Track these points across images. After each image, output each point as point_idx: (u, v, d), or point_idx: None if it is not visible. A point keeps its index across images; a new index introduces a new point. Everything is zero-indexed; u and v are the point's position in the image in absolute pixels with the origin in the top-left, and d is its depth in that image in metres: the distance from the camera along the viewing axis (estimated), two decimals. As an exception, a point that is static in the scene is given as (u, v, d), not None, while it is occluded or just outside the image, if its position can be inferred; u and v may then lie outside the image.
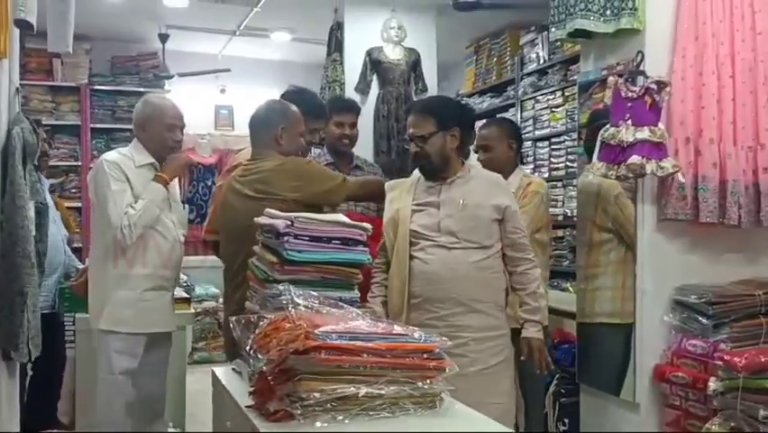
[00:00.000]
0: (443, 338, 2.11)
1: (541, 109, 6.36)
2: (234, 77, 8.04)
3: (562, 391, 3.79)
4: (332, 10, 6.40)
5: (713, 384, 2.90)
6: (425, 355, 2.07)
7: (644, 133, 3.02)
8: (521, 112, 6.63)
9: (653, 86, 3.05)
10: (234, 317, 2.49)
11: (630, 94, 3.12)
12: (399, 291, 3.03)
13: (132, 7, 6.66)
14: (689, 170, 3.12)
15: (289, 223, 2.36)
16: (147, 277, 3.25)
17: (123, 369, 3.23)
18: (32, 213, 2.54)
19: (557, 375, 3.75)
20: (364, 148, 5.97)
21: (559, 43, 5.76)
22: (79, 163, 7.41)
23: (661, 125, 3.05)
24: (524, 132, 6.43)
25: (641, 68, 3.16)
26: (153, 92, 7.45)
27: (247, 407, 2.06)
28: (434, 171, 3.08)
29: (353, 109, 4.19)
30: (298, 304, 2.06)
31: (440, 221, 3.02)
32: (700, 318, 3.08)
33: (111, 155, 3.32)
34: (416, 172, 3.22)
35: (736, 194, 3.13)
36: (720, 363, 2.89)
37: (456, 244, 2.98)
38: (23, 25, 2.36)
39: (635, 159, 2.99)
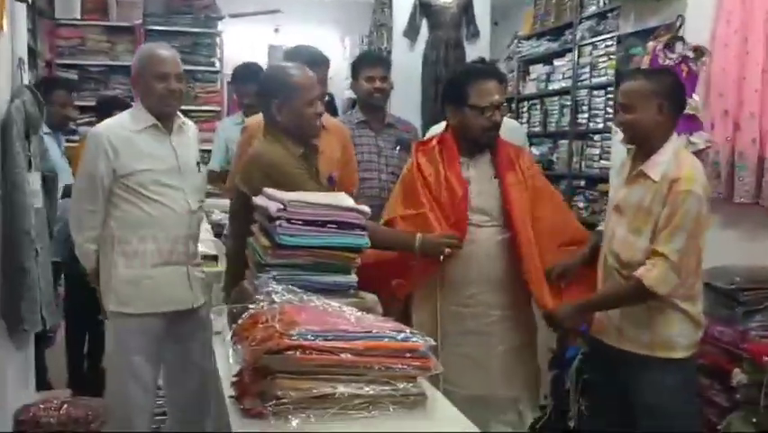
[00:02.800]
0: (428, 338, 2.03)
1: (598, 56, 6.04)
2: (288, 16, 7.95)
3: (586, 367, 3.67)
4: (382, -51, 6.22)
5: (737, 376, 2.78)
6: (408, 355, 2.00)
7: (677, 105, 2.81)
8: (578, 57, 6.33)
9: (690, 53, 2.84)
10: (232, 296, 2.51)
11: (668, 61, 2.93)
12: None
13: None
14: (725, 146, 2.94)
15: (282, 207, 2.29)
16: (151, 253, 2.95)
17: (138, 349, 2.96)
18: (35, 185, 2.55)
19: (581, 351, 3.63)
20: (411, 95, 5.87)
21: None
22: (134, 103, 7.46)
23: (696, 97, 2.85)
24: (580, 79, 6.17)
25: (680, 33, 2.95)
26: (205, 32, 7.46)
27: (229, 397, 2.05)
28: (490, 143, 2.92)
29: (383, 62, 4.03)
30: (274, 301, 2.00)
31: (471, 199, 2.89)
32: (731, 304, 2.93)
33: (104, 124, 3.04)
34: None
35: (776, 173, 2.92)
36: (746, 354, 2.76)
37: (489, 222, 2.88)
38: (20, -1, 2.32)
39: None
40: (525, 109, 7.29)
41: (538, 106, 7.05)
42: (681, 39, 2.92)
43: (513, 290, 2.90)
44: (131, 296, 2.93)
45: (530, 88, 7.14)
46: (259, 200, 2.46)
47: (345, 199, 2.45)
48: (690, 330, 2.56)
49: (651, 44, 3.03)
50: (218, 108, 7.43)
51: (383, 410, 1.94)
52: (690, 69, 2.85)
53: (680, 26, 2.95)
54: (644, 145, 2.58)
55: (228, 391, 2.06)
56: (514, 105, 7.40)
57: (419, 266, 2.82)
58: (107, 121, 3.04)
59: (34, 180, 2.56)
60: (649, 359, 2.53)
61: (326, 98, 7.31)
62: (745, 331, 2.87)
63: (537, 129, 6.99)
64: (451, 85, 2.98)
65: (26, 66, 2.69)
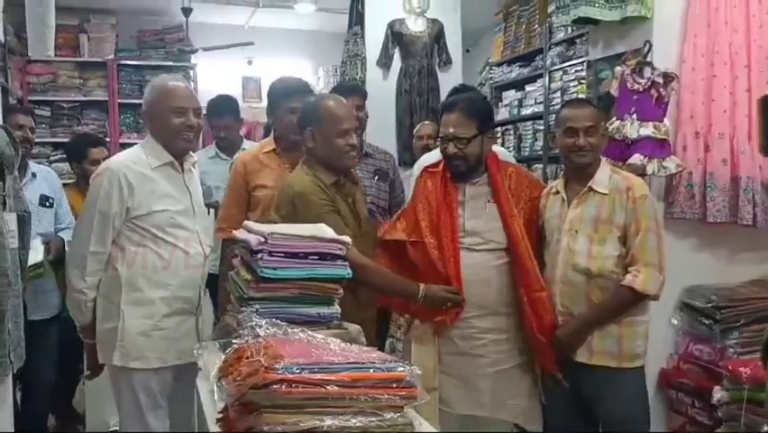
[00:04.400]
0: (414, 368, 2.03)
1: (569, 81, 6.13)
2: (261, 48, 7.96)
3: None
4: (353, -19, 6.27)
5: (717, 394, 2.81)
6: (394, 385, 2.00)
7: (647, 130, 2.89)
8: (549, 83, 6.42)
9: (659, 79, 2.90)
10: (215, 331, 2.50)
11: (636, 86, 2.98)
12: None
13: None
14: (698, 167, 2.98)
15: (263, 240, 2.29)
16: (164, 301, 2.72)
17: (152, 406, 2.75)
18: (12, 225, 2.51)
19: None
20: (386, 124, 5.90)
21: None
22: (108, 139, 7.43)
23: (666, 121, 2.91)
24: (552, 104, 6.25)
25: (648, 58, 3.01)
26: (179, 66, 7.46)
27: (214, 434, 2.04)
28: (466, 173, 2.93)
29: (358, 92, 4.03)
30: (258, 336, 2.00)
31: (464, 222, 2.91)
32: (708, 322, 2.97)
33: (117, 159, 2.81)
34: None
35: (749, 191, 2.98)
36: (726, 372, 2.78)
37: (482, 245, 2.89)
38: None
39: (635, 158, 2.86)
40: (498, 135, 7.36)
41: (512, 132, 7.12)
42: (650, 64, 2.97)
43: (506, 315, 2.88)
44: (141, 349, 2.70)
45: (503, 114, 7.22)
46: (239, 234, 2.46)
47: (327, 230, 2.45)
48: (645, 340, 2.76)
49: (618, 69, 3.08)
50: (192, 141, 7.41)
51: (372, 441, 1.93)
52: (659, 93, 2.89)
53: (647, 51, 3.00)
54: (591, 165, 2.76)
55: (213, 427, 2.05)
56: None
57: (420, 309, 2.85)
58: (119, 157, 2.85)
59: (10, 221, 2.51)
60: (618, 371, 2.70)
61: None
62: (723, 349, 2.91)
63: (512, 154, 7.04)
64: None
65: (-1, 106, 2.67)
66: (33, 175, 3.71)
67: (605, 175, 2.74)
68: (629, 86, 2.98)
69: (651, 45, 3.00)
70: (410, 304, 2.83)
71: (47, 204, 3.71)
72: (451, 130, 2.84)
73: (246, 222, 2.50)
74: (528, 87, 6.79)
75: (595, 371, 2.70)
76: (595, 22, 3.18)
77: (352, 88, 4.07)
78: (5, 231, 2.42)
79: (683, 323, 3.08)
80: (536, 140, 6.59)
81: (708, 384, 2.89)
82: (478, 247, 2.86)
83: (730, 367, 2.76)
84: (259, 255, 2.27)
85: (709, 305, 2.96)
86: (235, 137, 4.57)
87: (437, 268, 2.84)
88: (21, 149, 3.49)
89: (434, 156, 3.47)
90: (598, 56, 3.38)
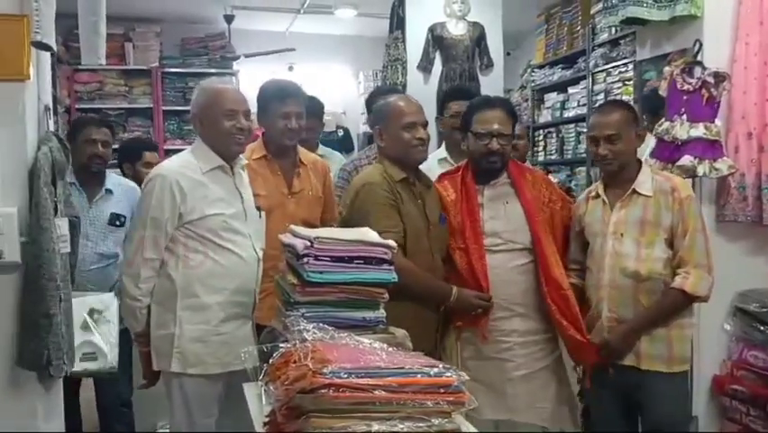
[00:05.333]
0: (462, 373, 2.00)
1: (612, 82, 6.05)
2: (302, 54, 8.00)
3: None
4: (393, -15, 6.27)
5: (774, 401, 2.72)
6: (441, 390, 1.98)
7: (698, 131, 2.82)
8: (592, 85, 6.34)
9: (710, 79, 2.83)
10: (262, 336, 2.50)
11: (686, 86, 2.92)
12: None
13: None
14: (750, 168, 2.91)
15: (309, 244, 2.29)
16: (220, 306, 2.69)
17: (206, 414, 2.73)
18: (63, 230, 2.55)
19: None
20: (429, 127, 5.88)
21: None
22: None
23: (718, 122, 2.84)
24: (595, 106, 6.15)
25: (699, 57, 2.94)
26: (222, 73, 7.54)
27: (262, 439, 2.03)
28: (497, 172, 2.93)
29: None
30: (305, 339, 1.99)
31: (484, 223, 2.90)
32: (763, 328, 2.90)
33: (169, 165, 2.76)
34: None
35: (805, 193, 2.89)
36: (782, 378, 2.71)
37: (501, 246, 2.87)
38: (42, 47, 2.34)
39: (686, 160, 2.80)
40: (540, 137, 7.30)
41: (554, 134, 7.06)
42: (700, 63, 2.91)
43: (530, 316, 2.86)
44: (199, 355, 2.67)
45: (545, 117, 7.16)
46: (285, 238, 2.46)
47: (372, 234, 2.44)
48: (690, 343, 2.75)
49: (667, 69, 3.02)
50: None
51: (419, 447, 1.92)
52: (710, 93, 2.83)
53: (697, 51, 2.94)
54: (626, 169, 2.74)
55: (261, 431, 2.05)
56: (529, 134, 7.41)
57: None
58: (170, 162, 2.80)
59: (62, 226, 2.55)
60: (667, 375, 2.67)
61: (340, 132, 7.39)
62: (779, 355, 2.83)
63: (554, 157, 6.99)
64: (464, 114, 3.01)
65: (51, 113, 2.70)
66: (109, 192, 3.63)
67: (647, 177, 2.72)
68: (679, 86, 2.92)
69: (701, 44, 2.93)
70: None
71: (117, 223, 3.62)
72: (496, 126, 2.83)
73: (292, 226, 2.51)
74: (571, 90, 6.72)
75: (644, 375, 2.67)
76: (643, 22, 3.12)
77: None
78: (56, 236, 2.45)
79: (737, 328, 3.00)
80: (579, 142, 6.51)
81: (764, 391, 2.81)
82: (497, 248, 2.85)
83: (787, 374, 2.69)
84: (305, 259, 2.27)
85: (764, 310, 2.89)
86: (313, 140, 4.11)
87: (462, 272, 2.83)
88: (93, 166, 3.52)
89: (430, 162, 3.48)
90: (646, 56, 3.32)
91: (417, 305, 2.73)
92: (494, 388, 2.82)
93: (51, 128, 2.67)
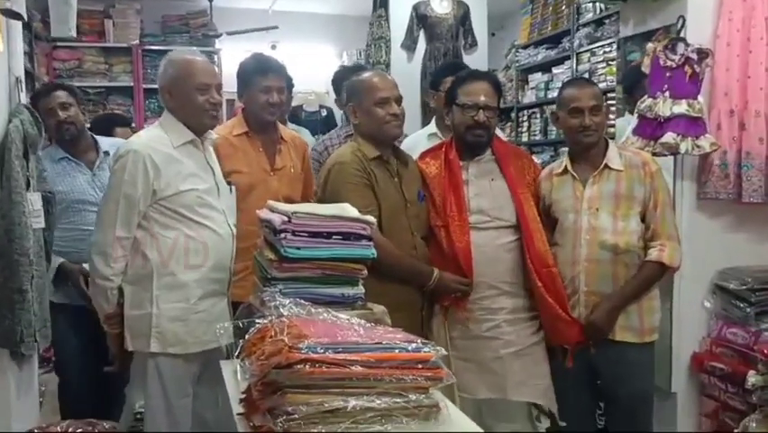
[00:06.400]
0: (440, 349, 1.98)
1: (597, 62, 6.04)
2: (285, 32, 7.91)
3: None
4: (377, -37, 6.20)
5: (752, 378, 2.74)
6: (419, 366, 1.96)
7: (681, 107, 2.81)
8: (576, 65, 6.32)
9: (693, 55, 2.81)
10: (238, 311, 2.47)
11: (669, 63, 2.90)
12: None
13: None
14: (732, 146, 2.90)
15: (287, 219, 2.26)
16: (198, 282, 2.63)
17: (183, 394, 2.67)
18: (36, 205, 2.50)
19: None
20: (411, 106, 5.82)
21: (615, -7, 5.43)
22: (134, 124, 7.45)
23: (700, 99, 2.82)
24: (579, 86, 6.15)
25: (682, 34, 2.92)
26: (203, 51, 7.41)
27: (238, 414, 2.01)
28: (483, 146, 2.89)
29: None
30: (282, 315, 1.96)
31: (469, 200, 2.87)
32: (742, 305, 2.90)
33: (140, 140, 2.65)
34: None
35: (786, 171, 2.89)
36: (761, 356, 2.71)
37: (488, 223, 2.84)
38: (11, 15, 2.28)
39: (668, 137, 2.78)
40: (524, 118, 7.28)
41: (538, 115, 7.04)
42: (683, 40, 2.89)
43: (518, 294, 2.84)
44: (178, 334, 2.61)
45: (529, 97, 7.14)
46: (263, 213, 2.42)
47: (351, 210, 2.41)
48: (658, 312, 2.79)
49: (650, 45, 2.99)
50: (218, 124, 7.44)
51: (396, 423, 1.88)
52: (693, 70, 2.81)
53: (681, 27, 2.92)
54: (598, 144, 2.77)
55: (237, 408, 2.03)
56: (513, 114, 7.39)
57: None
58: (141, 137, 2.70)
59: (35, 201, 2.50)
60: (639, 346, 2.73)
61: (323, 111, 7.30)
62: (758, 332, 2.84)
63: (538, 138, 6.98)
64: (449, 88, 2.98)
65: (23, 85, 2.63)
66: (107, 154, 3.41)
67: (615, 152, 2.76)
68: (662, 62, 2.90)
69: (684, 20, 2.91)
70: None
71: None
72: (482, 98, 2.80)
73: (270, 201, 2.47)
74: (555, 70, 6.70)
75: (615, 346, 2.71)
76: (626, -2, 3.10)
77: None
78: (29, 211, 2.41)
79: (716, 306, 3.01)
80: (564, 123, 6.49)
81: (743, 369, 2.82)
82: (483, 225, 2.82)
83: (765, 351, 2.70)
84: (282, 235, 2.24)
85: (744, 287, 2.89)
86: (283, 116, 3.90)
87: (444, 250, 2.80)
88: (66, 134, 3.27)
89: (419, 137, 3.62)
90: (629, 33, 3.29)
91: (399, 285, 2.72)
92: (485, 367, 2.80)
93: (24, 100, 2.62)
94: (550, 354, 2.85)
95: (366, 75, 2.85)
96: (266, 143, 3.14)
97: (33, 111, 2.57)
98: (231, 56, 7.72)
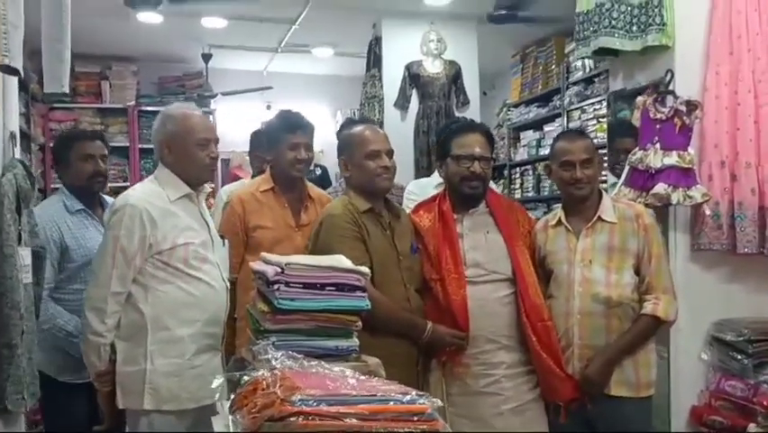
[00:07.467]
0: (434, 400, 1.95)
1: (587, 119, 6.13)
2: (280, 92, 8.01)
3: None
4: (370, 25, 6.32)
5: (753, 431, 2.69)
6: (414, 418, 1.92)
7: (672, 159, 2.83)
8: (567, 122, 6.41)
9: (683, 107, 2.85)
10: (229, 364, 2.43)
11: (659, 115, 2.94)
12: None
13: (174, 29, 6.69)
14: (724, 197, 2.91)
15: (279, 270, 2.24)
16: (192, 337, 2.59)
17: None
18: (26, 261, 2.48)
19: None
20: (404, 165, 5.87)
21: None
22: (128, 184, 7.47)
23: (691, 150, 2.85)
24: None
25: (671, 87, 2.96)
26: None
27: (229, 470, 1.96)
28: (477, 199, 2.89)
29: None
30: (273, 368, 1.94)
31: (465, 254, 2.85)
32: (740, 357, 2.87)
33: (136, 194, 2.62)
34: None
35: (778, 221, 2.89)
36: (760, 408, 2.67)
37: (484, 276, 2.82)
38: (8, 71, 2.29)
39: (660, 187, 2.80)
40: (517, 175, 7.34)
41: (530, 172, 7.10)
42: (672, 92, 2.93)
43: (515, 348, 2.79)
44: (173, 390, 2.55)
45: (521, 154, 7.21)
46: (256, 265, 2.41)
47: (344, 261, 2.40)
48: (656, 367, 2.76)
49: (640, 99, 3.04)
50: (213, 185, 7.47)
51: (392, 476, 1.85)
52: (683, 122, 2.85)
53: (669, 80, 2.97)
54: (591, 196, 2.77)
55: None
56: (506, 172, 7.45)
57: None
58: (136, 191, 2.68)
59: (25, 256, 2.48)
60: (635, 400, 2.68)
61: (318, 170, 7.33)
62: (756, 385, 2.80)
63: (531, 194, 7.02)
64: (439, 140, 3.00)
65: (18, 140, 2.64)
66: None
67: (609, 204, 2.77)
68: (651, 115, 2.94)
69: (673, 74, 2.96)
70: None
71: None
72: (478, 150, 2.81)
73: (263, 254, 2.46)
74: (547, 127, 6.79)
75: (611, 401, 2.67)
76: (615, 53, 3.15)
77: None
78: (20, 266, 2.39)
79: (714, 358, 2.98)
80: (557, 179, 6.54)
81: (742, 421, 2.78)
82: (480, 279, 2.79)
83: (765, 403, 2.66)
84: (276, 286, 2.22)
85: (741, 339, 2.86)
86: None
87: (440, 303, 2.77)
88: (96, 186, 3.16)
89: (426, 182, 3.62)
90: (619, 87, 3.34)
91: (393, 338, 2.68)
92: (485, 423, 2.75)
93: (18, 156, 2.62)
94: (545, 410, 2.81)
95: (357, 128, 2.86)
96: (292, 200, 3.17)
97: (27, 166, 2.57)
98: (226, 116, 7.84)
